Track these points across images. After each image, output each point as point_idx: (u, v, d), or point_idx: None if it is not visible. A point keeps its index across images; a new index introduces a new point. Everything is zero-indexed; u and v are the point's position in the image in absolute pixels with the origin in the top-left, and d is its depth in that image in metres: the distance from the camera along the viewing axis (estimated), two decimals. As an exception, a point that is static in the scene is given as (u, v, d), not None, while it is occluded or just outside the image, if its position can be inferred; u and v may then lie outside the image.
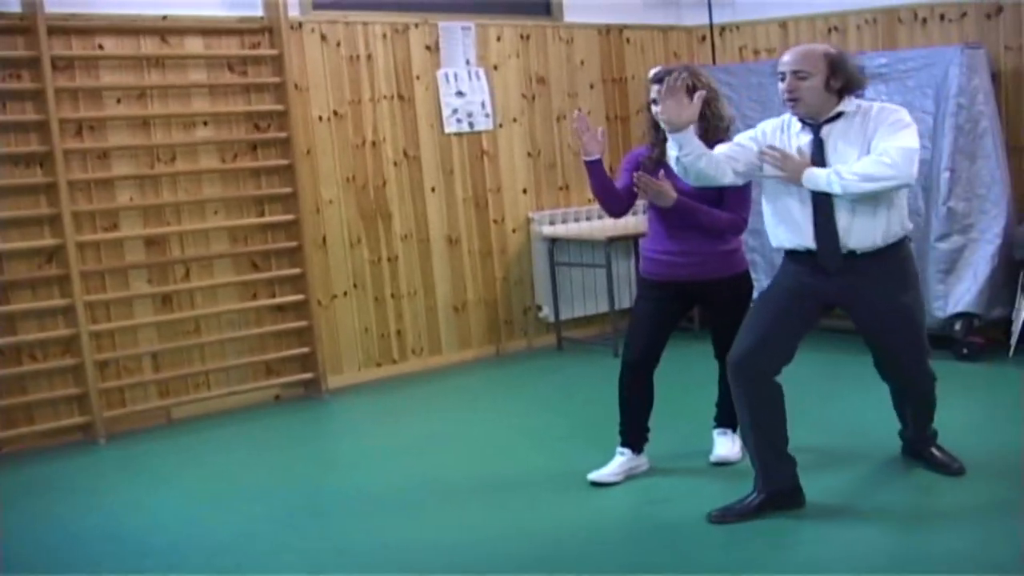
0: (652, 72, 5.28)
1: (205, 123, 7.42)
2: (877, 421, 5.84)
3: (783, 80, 4.80)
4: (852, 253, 4.82)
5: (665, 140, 4.88)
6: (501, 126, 8.74)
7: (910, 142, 4.67)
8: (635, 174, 5.15)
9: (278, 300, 7.71)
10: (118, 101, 7.10)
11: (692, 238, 5.24)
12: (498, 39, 8.73)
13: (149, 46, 7.20)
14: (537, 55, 8.96)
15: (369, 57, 8.08)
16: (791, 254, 4.99)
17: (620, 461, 5.47)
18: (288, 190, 7.64)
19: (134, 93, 7.15)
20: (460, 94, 8.48)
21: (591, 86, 9.22)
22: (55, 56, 6.75)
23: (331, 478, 6.05)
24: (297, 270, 7.71)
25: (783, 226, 4.94)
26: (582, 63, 9.18)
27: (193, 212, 7.38)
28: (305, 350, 7.77)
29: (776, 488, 4.87)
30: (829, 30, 8.68)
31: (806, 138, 4.84)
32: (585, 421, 6.67)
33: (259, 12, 7.56)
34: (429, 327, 8.51)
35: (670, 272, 5.31)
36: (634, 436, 5.50)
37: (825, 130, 4.81)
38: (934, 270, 7.55)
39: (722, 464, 5.54)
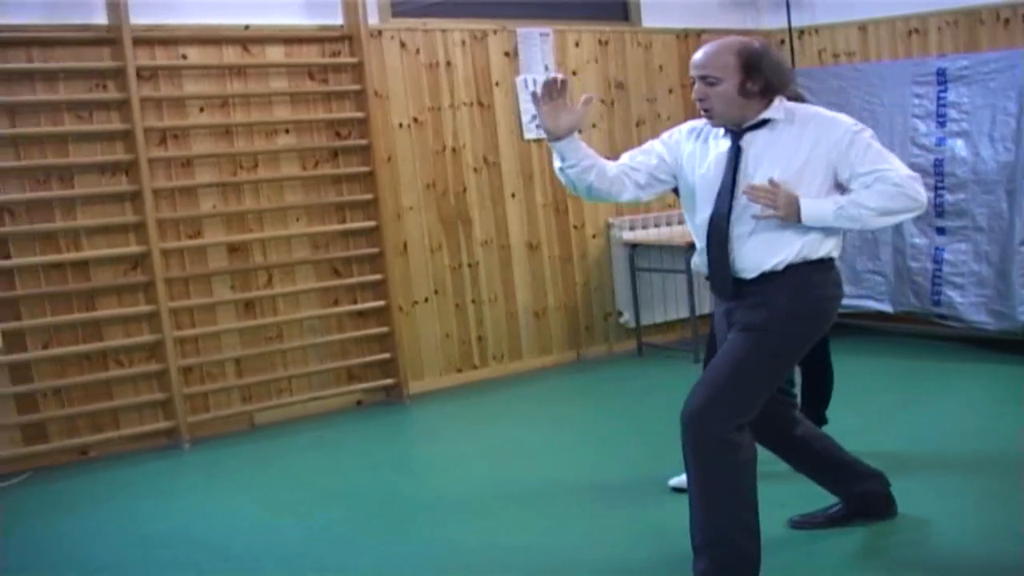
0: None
1: (287, 131, 7.49)
2: (956, 427, 5.77)
3: (694, 84, 4.15)
4: (742, 279, 4.18)
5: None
6: (580, 131, 8.71)
7: (904, 166, 4.09)
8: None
9: (359, 306, 7.76)
10: (201, 110, 7.19)
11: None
12: (576, 45, 8.73)
13: (231, 55, 7.29)
14: (615, 60, 8.95)
15: (448, 64, 8.12)
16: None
17: (700, 467, 5.41)
18: (369, 197, 7.69)
19: (217, 102, 7.24)
20: (539, 100, 8.48)
21: (670, 91, 9.20)
22: (140, 66, 6.85)
23: (411, 483, 6.06)
24: (378, 276, 7.76)
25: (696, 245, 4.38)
26: (660, 68, 9.16)
27: (275, 219, 7.45)
28: (386, 356, 7.81)
29: (863, 502, 4.69)
30: (909, 32, 8.60)
31: (725, 144, 4.19)
32: (665, 426, 6.57)
33: (339, 20, 7.63)
34: (509, 333, 8.52)
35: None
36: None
37: (747, 138, 4.14)
38: (1018, 274, 7.43)
39: (803, 470, 5.48)
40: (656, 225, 8.89)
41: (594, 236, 8.88)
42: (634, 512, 5.18)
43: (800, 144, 4.08)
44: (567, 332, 8.82)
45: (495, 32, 8.34)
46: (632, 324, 8.93)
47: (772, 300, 4.10)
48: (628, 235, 8.83)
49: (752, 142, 4.13)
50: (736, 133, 4.14)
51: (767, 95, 4.10)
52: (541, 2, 8.64)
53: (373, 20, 7.73)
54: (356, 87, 7.64)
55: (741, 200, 4.10)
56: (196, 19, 7.11)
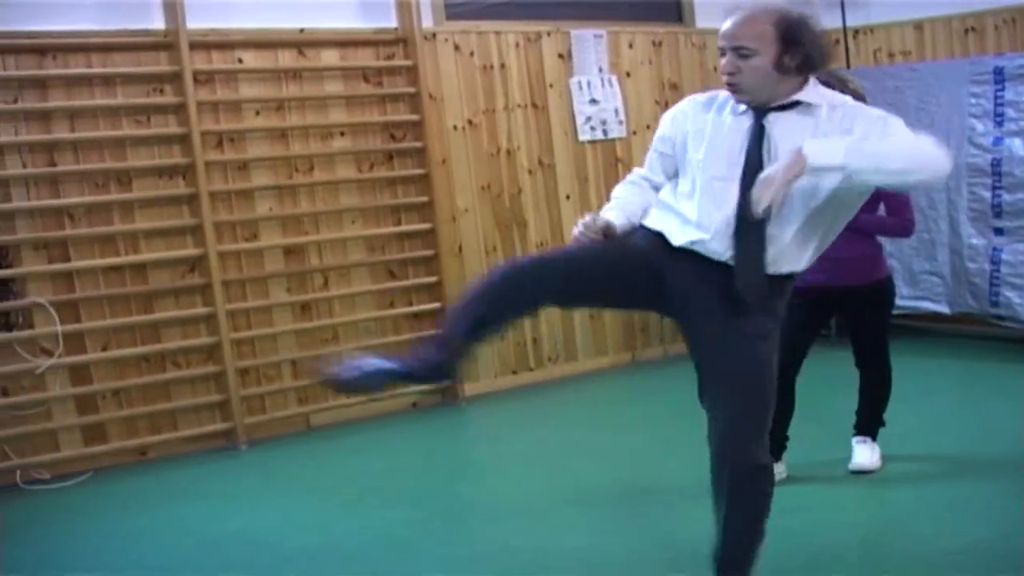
0: None
1: (342, 133, 7.53)
2: (1015, 429, 5.72)
3: (723, 56, 3.60)
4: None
5: None
6: (635, 133, 8.72)
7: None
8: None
9: (415, 308, 7.77)
10: (257, 113, 7.23)
11: (832, 244, 5.13)
12: (630, 46, 8.72)
13: (287, 59, 7.33)
14: (669, 61, 8.93)
15: (502, 66, 8.13)
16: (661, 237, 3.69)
17: (757, 468, 5.37)
18: (424, 199, 7.71)
19: (272, 105, 7.28)
20: (593, 102, 8.49)
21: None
22: (196, 70, 6.90)
23: (467, 484, 6.08)
24: (433, 278, 7.78)
25: (677, 216, 3.69)
26: (715, 69, 9.09)
27: (331, 221, 7.49)
28: (441, 358, 7.80)
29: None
30: (966, 31, 8.50)
31: (746, 123, 3.60)
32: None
33: (393, 23, 7.65)
34: (565, 334, 8.51)
35: (810, 278, 5.22)
36: (772, 443, 5.42)
37: (771, 118, 3.56)
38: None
39: (860, 473, 5.44)
40: (711, 226, 8.85)
41: (648, 238, 8.84)
42: (692, 513, 5.14)
43: (830, 132, 3.49)
44: (622, 334, 8.80)
45: (549, 34, 8.33)
46: (687, 325, 8.89)
47: (774, 309, 3.80)
48: (683, 236, 8.78)
49: (777, 123, 3.55)
50: (760, 111, 3.58)
51: (803, 72, 3.56)
52: (595, 3, 8.63)
53: (427, 23, 7.75)
54: (411, 90, 7.66)
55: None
56: (252, 23, 7.16)
